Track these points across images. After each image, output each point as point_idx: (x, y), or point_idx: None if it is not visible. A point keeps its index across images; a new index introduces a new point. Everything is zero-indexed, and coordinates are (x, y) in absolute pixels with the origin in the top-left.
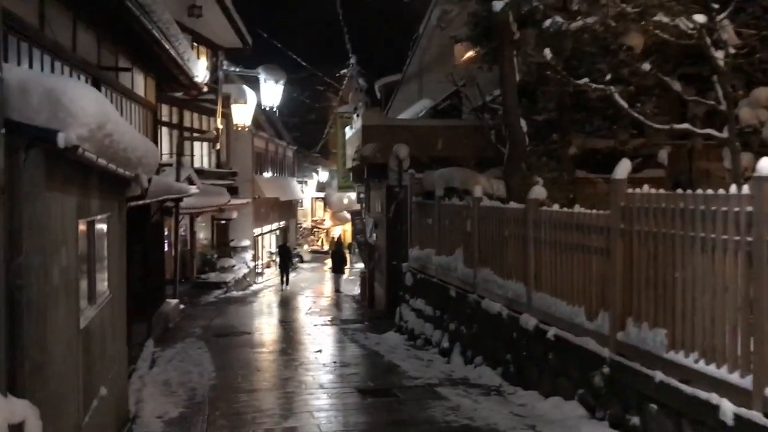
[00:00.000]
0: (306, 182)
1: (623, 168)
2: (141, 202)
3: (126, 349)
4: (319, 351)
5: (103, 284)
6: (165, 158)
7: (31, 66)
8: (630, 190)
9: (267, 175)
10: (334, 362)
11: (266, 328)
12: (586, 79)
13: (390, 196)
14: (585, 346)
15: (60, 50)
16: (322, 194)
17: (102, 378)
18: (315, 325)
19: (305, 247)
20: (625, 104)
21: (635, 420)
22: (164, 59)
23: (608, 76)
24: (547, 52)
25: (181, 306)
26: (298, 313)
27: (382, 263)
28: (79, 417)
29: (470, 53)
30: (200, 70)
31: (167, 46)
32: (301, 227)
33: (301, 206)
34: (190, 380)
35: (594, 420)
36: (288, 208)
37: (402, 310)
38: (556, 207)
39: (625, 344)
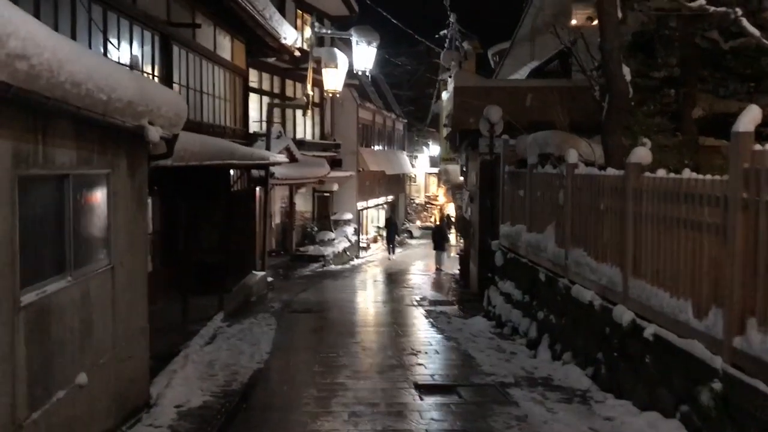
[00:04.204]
0: (416, 156)
1: (750, 117)
2: (213, 167)
3: (146, 326)
4: (391, 336)
5: (94, 252)
6: (255, 127)
7: (74, 16)
8: (758, 147)
9: (373, 147)
10: (403, 349)
11: (347, 305)
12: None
13: (482, 166)
14: (691, 350)
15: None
16: (436, 169)
17: (80, 364)
18: (399, 305)
19: (417, 222)
20: None
21: None
22: (239, 13)
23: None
24: None
25: (269, 279)
26: (388, 291)
27: (476, 240)
28: (15, 413)
29: (588, 11)
30: (289, 32)
31: None
32: (413, 203)
33: (414, 182)
34: (237, 362)
35: None
36: (396, 183)
37: (490, 293)
38: (661, 173)
39: (744, 354)
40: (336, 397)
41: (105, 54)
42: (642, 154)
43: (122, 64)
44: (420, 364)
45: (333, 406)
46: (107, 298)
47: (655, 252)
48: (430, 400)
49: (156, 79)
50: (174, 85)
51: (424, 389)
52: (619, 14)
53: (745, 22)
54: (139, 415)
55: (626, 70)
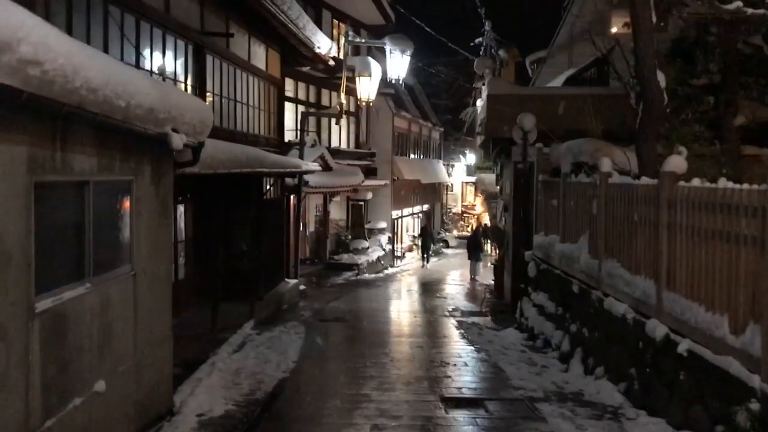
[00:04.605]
0: (453, 165)
1: None
2: (243, 175)
3: (170, 333)
4: (420, 347)
5: (116, 259)
6: (290, 135)
7: (105, 26)
8: None
9: (409, 156)
10: (431, 361)
11: (378, 315)
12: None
13: (516, 175)
14: (727, 368)
15: (147, 9)
16: (473, 179)
17: (99, 371)
18: (430, 315)
19: (454, 232)
20: None
21: None
22: (272, 22)
23: None
24: None
25: (302, 287)
26: (420, 301)
27: (509, 250)
28: (29, 420)
29: (626, 18)
30: (323, 41)
31: (270, 6)
32: (450, 212)
33: (451, 191)
34: (263, 371)
35: None
36: (432, 192)
37: (523, 305)
38: (696, 182)
39: None
40: (359, 408)
41: (138, 64)
42: (677, 162)
43: (150, 72)
44: (448, 377)
45: (355, 418)
46: (129, 305)
47: (690, 264)
48: (455, 414)
49: (189, 88)
50: (207, 94)
51: (451, 402)
52: (654, 19)
53: None
54: (160, 423)
55: (661, 77)
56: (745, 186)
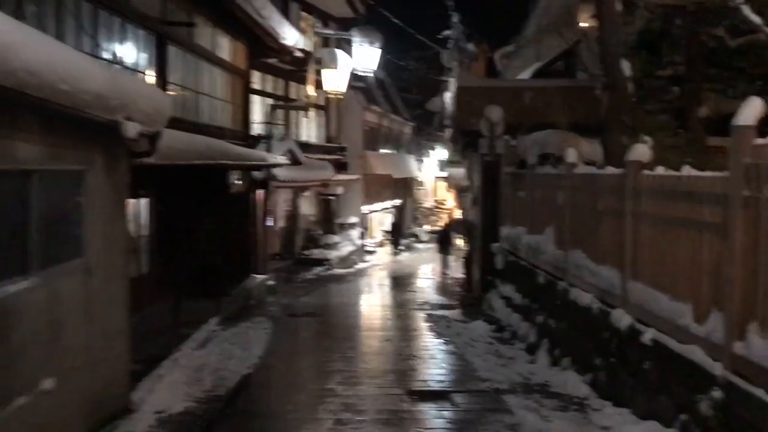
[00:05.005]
0: (424, 160)
1: (751, 110)
2: (211, 167)
3: (126, 329)
4: (388, 340)
5: (66, 252)
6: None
7: (59, 15)
8: (759, 141)
9: (379, 151)
10: (399, 354)
11: (348, 310)
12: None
13: (484, 167)
14: (690, 357)
15: None
16: (444, 174)
17: (47, 368)
18: (400, 309)
19: (425, 226)
20: None
21: None
22: (236, 12)
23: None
24: None
25: (270, 282)
26: (391, 295)
27: (478, 243)
28: None
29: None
30: (289, 32)
31: None
32: (422, 207)
33: (423, 186)
34: (227, 367)
35: None
36: (404, 187)
37: (491, 297)
38: (660, 171)
39: (745, 360)
40: (324, 403)
41: (95, 55)
42: (641, 151)
43: (110, 63)
44: (415, 370)
45: (319, 412)
46: (81, 300)
47: (654, 253)
48: (421, 407)
49: (151, 79)
50: (170, 85)
51: (417, 396)
52: (619, 7)
53: (746, 10)
54: (116, 421)
55: (626, 66)
56: (708, 173)
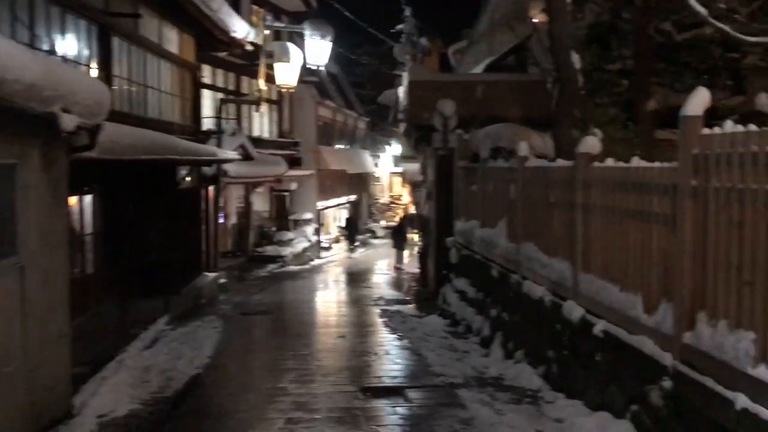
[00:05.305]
0: (379, 156)
1: (698, 100)
2: (154, 162)
3: (67, 330)
4: (342, 337)
5: None
6: (208, 123)
7: None
8: (707, 131)
9: (334, 146)
10: (353, 351)
11: (302, 307)
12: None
13: (437, 162)
14: (641, 347)
15: None
16: (400, 169)
17: None
18: (355, 305)
19: (381, 222)
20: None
21: None
22: (182, 3)
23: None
24: None
25: (222, 280)
26: (346, 291)
27: (432, 237)
28: None
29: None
30: (239, 25)
31: None
32: (377, 202)
33: (378, 181)
34: (175, 367)
35: None
36: (359, 182)
37: (445, 291)
38: (609, 162)
39: (694, 350)
40: (275, 402)
41: (32, 46)
42: (591, 143)
43: (48, 54)
44: (369, 366)
45: (270, 412)
46: (15, 301)
47: (605, 245)
48: (374, 404)
49: (94, 72)
50: (114, 78)
51: (370, 392)
52: (568, 1)
53: (691, 1)
54: (57, 427)
55: (576, 59)
56: (656, 164)
